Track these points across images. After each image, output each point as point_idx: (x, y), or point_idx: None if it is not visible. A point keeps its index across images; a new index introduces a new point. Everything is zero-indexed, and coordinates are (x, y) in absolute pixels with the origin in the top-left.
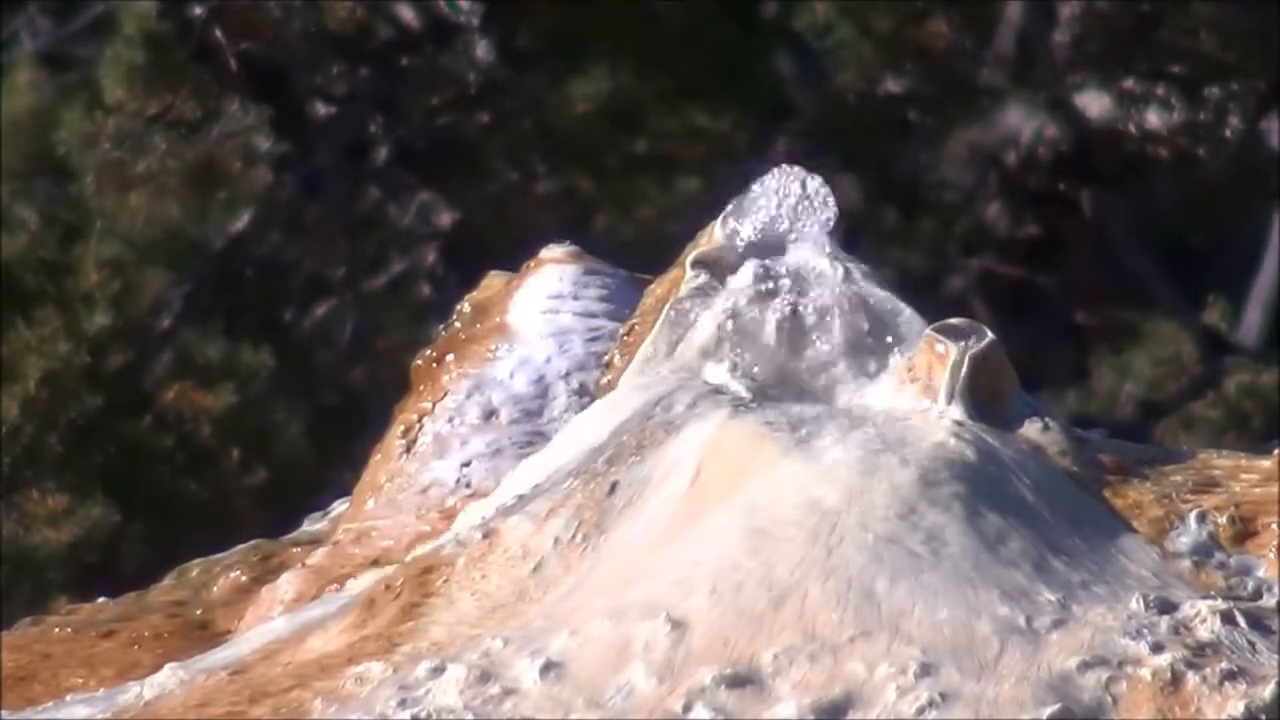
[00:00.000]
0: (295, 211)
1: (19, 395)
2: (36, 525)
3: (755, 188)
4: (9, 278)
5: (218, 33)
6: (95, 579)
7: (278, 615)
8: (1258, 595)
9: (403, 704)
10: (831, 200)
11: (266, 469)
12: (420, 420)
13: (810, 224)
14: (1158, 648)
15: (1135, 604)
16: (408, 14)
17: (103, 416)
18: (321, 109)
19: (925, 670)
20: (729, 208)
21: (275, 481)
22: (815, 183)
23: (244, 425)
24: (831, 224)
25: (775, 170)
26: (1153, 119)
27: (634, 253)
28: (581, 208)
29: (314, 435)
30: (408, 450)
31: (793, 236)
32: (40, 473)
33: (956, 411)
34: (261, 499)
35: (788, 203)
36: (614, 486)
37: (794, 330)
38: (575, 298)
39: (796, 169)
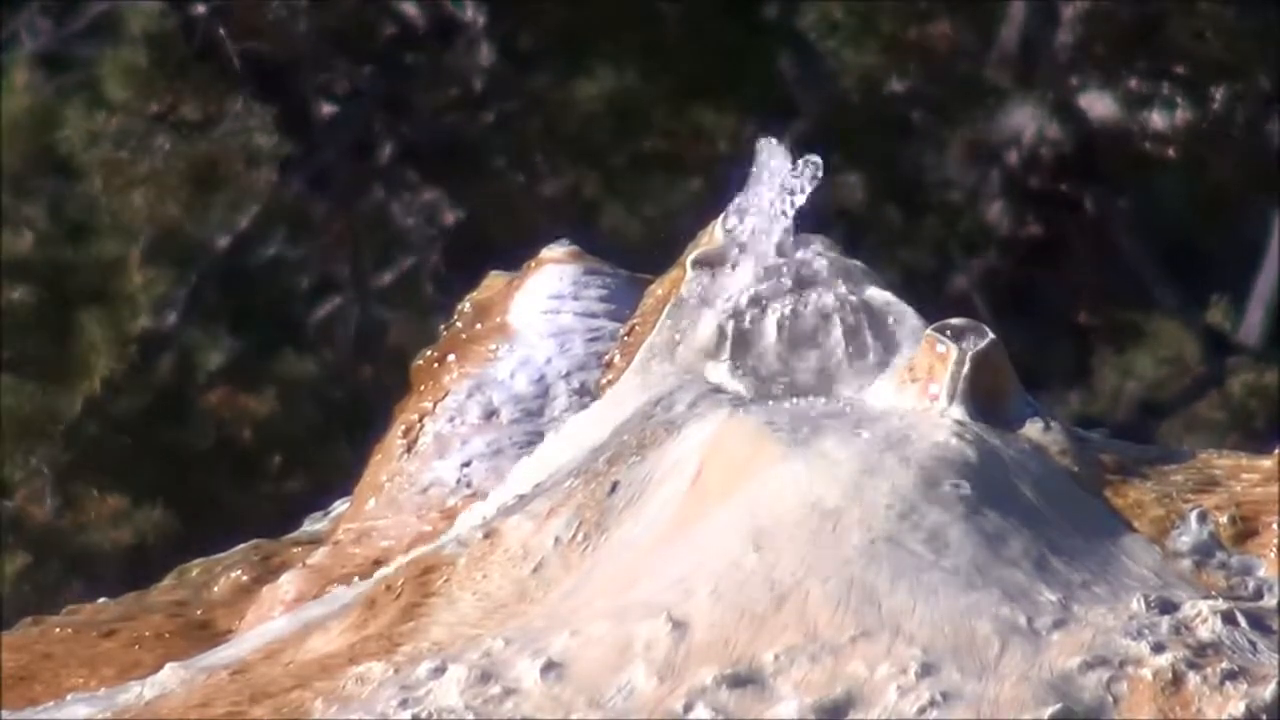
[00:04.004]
0: (300, 211)
1: (84, 392)
2: (94, 524)
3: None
4: (25, 278)
5: (221, 32)
6: (145, 577)
7: (278, 615)
8: (1259, 595)
9: (404, 704)
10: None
11: (289, 469)
12: (421, 420)
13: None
14: (1159, 648)
15: (1136, 604)
16: (412, 12)
17: (145, 417)
18: (325, 108)
19: (926, 670)
20: (730, 207)
21: (286, 481)
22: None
23: (277, 427)
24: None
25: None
26: (1156, 119)
27: (638, 252)
28: (586, 207)
29: (319, 434)
30: (408, 450)
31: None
32: (100, 472)
33: (957, 411)
34: (279, 499)
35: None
36: (615, 486)
37: (795, 330)
38: (576, 298)
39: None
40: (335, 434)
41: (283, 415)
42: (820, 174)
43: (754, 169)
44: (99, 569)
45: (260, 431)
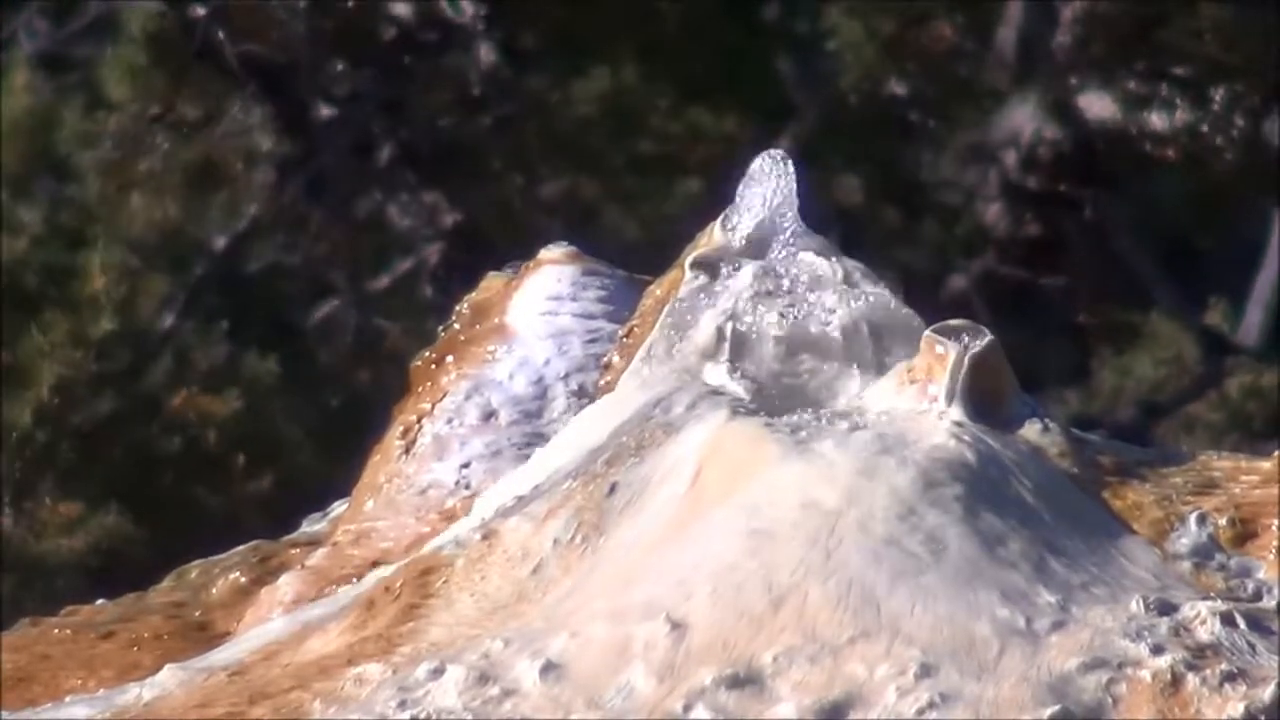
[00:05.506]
0: (298, 213)
1: (31, 401)
2: (48, 533)
3: (749, 179)
4: (12, 280)
5: (220, 34)
6: (103, 586)
7: (277, 616)
8: (1258, 597)
9: (402, 705)
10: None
11: (272, 472)
12: (419, 421)
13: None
14: (1158, 649)
15: (1135, 605)
16: (411, 15)
17: (110, 422)
18: (324, 110)
19: (925, 671)
20: (729, 208)
21: (281, 484)
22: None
23: (250, 429)
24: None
25: (763, 159)
26: (1155, 120)
27: (637, 254)
28: (584, 209)
29: (317, 437)
30: (406, 451)
31: (785, 229)
32: (52, 480)
33: (956, 412)
34: (267, 502)
35: (778, 195)
36: (613, 488)
37: (794, 331)
38: (574, 299)
39: (779, 156)
40: (333, 436)
41: (279, 418)
42: (790, 171)
43: (749, 173)
44: (78, 578)
45: (256, 438)
